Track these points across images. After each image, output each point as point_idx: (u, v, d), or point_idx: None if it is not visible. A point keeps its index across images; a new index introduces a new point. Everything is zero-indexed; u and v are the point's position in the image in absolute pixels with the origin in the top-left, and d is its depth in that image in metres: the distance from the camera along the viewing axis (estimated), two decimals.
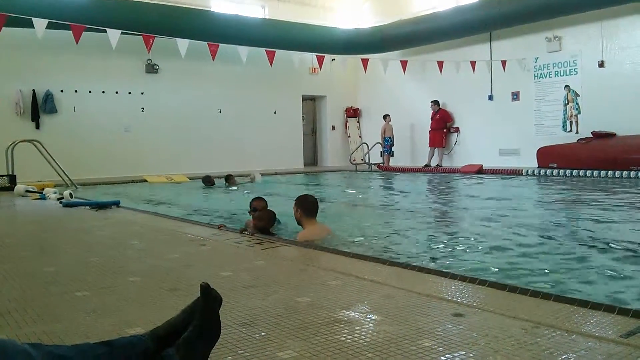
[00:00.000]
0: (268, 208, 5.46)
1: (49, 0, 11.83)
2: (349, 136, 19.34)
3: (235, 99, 16.53)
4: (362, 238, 5.45)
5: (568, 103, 13.67)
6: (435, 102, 16.09)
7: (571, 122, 13.63)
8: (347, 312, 2.46)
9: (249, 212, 5.43)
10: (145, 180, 13.04)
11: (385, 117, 16.92)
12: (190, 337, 1.78)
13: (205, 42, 13.03)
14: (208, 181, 11.93)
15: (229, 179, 12.25)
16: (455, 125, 16.16)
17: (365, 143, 17.56)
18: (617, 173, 11.07)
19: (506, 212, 7.19)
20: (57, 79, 13.84)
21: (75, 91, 14.16)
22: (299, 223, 5.13)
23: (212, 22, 14.26)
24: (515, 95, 14.81)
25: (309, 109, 19.33)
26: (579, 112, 13.46)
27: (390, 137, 16.89)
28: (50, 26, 10.92)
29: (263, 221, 5.01)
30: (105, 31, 11.57)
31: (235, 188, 11.64)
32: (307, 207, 5.08)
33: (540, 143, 13.42)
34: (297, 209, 5.07)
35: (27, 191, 9.67)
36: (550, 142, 13.36)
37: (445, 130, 16.08)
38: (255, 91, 16.80)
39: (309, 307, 2.56)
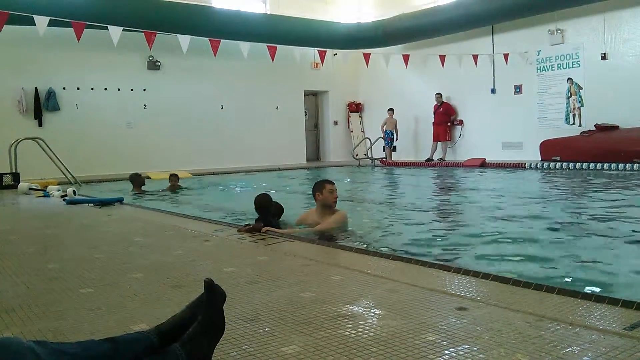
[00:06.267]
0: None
1: None
2: (352, 131, 19.31)
3: (238, 94, 16.53)
4: (364, 233, 5.45)
5: (571, 96, 13.62)
6: (440, 95, 16.05)
7: (574, 115, 13.59)
8: (351, 307, 2.46)
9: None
10: (149, 177, 13.04)
11: (388, 110, 16.89)
12: (194, 333, 1.79)
13: (207, 38, 13.02)
14: (136, 181, 9.70)
15: (172, 179, 10.17)
16: (458, 118, 16.13)
17: (367, 138, 17.54)
18: (621, 166, 11.05)
19: (509, 206, 7.18)
20: (59, 76, 13.85)
21: (78, 88, 14.17)
22: (328, 207, 5.12)
23: (214, 18, 14.26)
24: (518, 89, 14.77)
25: (311, 104, 19.31)
26: (582, 105, 13.42)
27: (391, 131, 16.85)
28: (51, 23, 10.92)
29: (262, 205, 5.04)
30: (106, 28, 11.58)
31: (177, 192, 9.99)
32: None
33: (544, 136, 13.39)
34: (332, 191, 5.06)
35: (31, 189, 9.68)
36: (553, 135, 13.33)
37: (449, 123, 16.05)
38: (257, 87, 16.79)
39: (312, 302, 2.56)
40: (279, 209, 5.32)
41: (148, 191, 9.80)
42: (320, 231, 4.94)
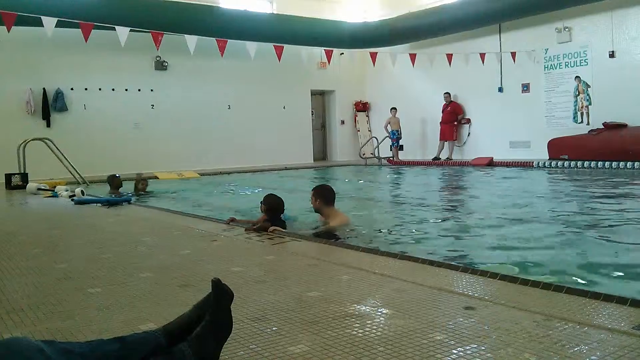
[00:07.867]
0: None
1: None
2: (359, 130, 19.30)
3: (245, 94, 16.55)
4: (371, 232, 5.45)
5: (579, 94, 13.56)
6: (449, 94, 16.02)
7: (582, 114, 13.52)
8: (358, 306, 2.46)
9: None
10: (156, 177, 13.08)
11: (391, 109, 16.87)
12: (202, 332, 1.79)
13: (214, 38, 13.04)
14: (113, 183, 9.39)
15: (139, 182, 9.80)
16: (466, 117, 16.08)
17: (374, 137, 17.52)
18: (629, 164, 10.98)
19: (516, 205, 7.16)
20: (67, 77, 13.92)
21: (85, 89, 14.23)
22: (319, 212, 5.26)
23: (221, 18, 14.28)
24: (526, 87, 14.72)
25: (318, 104, 19.31)
26: (590, 103, 13.36)
27: (397, 131, 16.83)
28: (59, 24, 10.97)
29: (273, 206, 5.06)
30: (114, 29, 11.62)
31: (144, 193, 9.67)
32: (326, 195, 5.22)
33: (551, 135, 13.33)
34: (315, 199, 5.18)
35: (39, 189, 9.72)
36: (561, 133, 13.27)
37: (456, 122, 16.01)
38: (264, 87, 16.81)
39: (320, 301, 2.57)
40: (281, 201, 5.30)
41: (124, 194, 9.22)
42: (326, 232, 4.97)
